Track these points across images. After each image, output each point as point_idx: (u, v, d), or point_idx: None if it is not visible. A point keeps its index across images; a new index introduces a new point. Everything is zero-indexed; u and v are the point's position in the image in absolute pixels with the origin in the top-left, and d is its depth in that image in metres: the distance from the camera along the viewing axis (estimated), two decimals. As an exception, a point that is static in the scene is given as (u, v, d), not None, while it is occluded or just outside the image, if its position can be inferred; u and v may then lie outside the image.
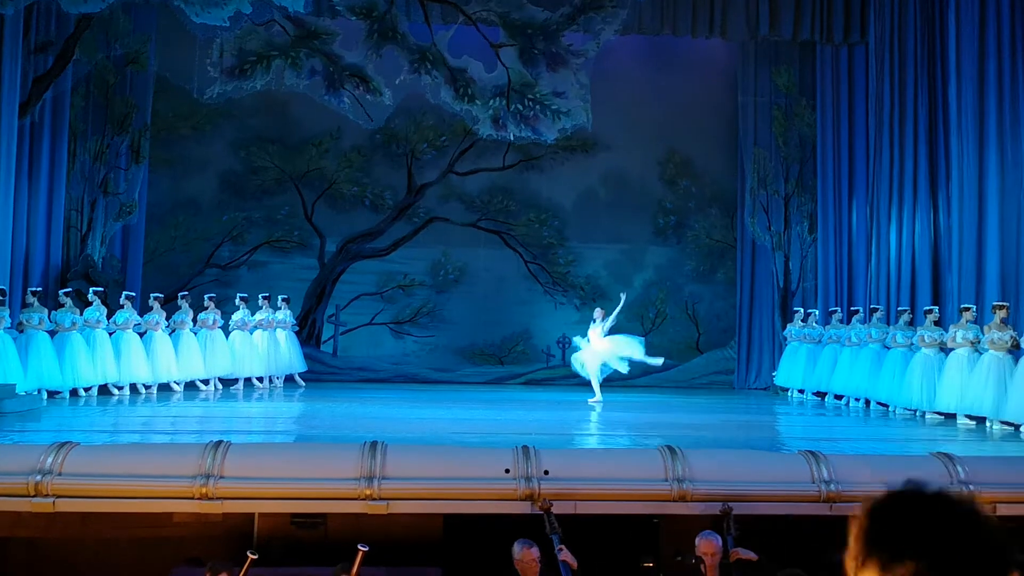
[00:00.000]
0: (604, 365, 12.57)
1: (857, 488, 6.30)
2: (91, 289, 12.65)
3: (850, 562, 1.45)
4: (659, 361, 12.86)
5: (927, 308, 11.86)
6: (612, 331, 12.53)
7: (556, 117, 15.37)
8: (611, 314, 12.38)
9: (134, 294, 13.45)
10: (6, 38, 12.66)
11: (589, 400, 12.44)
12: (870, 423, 11.11)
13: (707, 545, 5.59)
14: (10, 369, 10.73)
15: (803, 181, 16.17)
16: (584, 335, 12.69)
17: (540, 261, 16.75)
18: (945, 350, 11.04)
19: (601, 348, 12.48)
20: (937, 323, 11.45)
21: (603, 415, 11.29)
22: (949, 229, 13.12)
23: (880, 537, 1.42)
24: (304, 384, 14.52)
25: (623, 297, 12.69)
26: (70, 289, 12.54)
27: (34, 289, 12.08)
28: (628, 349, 12.55)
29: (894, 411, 11.56)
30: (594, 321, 12.61)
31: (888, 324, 12.69)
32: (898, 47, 13.97)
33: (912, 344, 11.64)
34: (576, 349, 12.84)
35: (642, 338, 12.77)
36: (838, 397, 12.97)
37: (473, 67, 15.29)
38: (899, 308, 12.69)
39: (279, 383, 14.33)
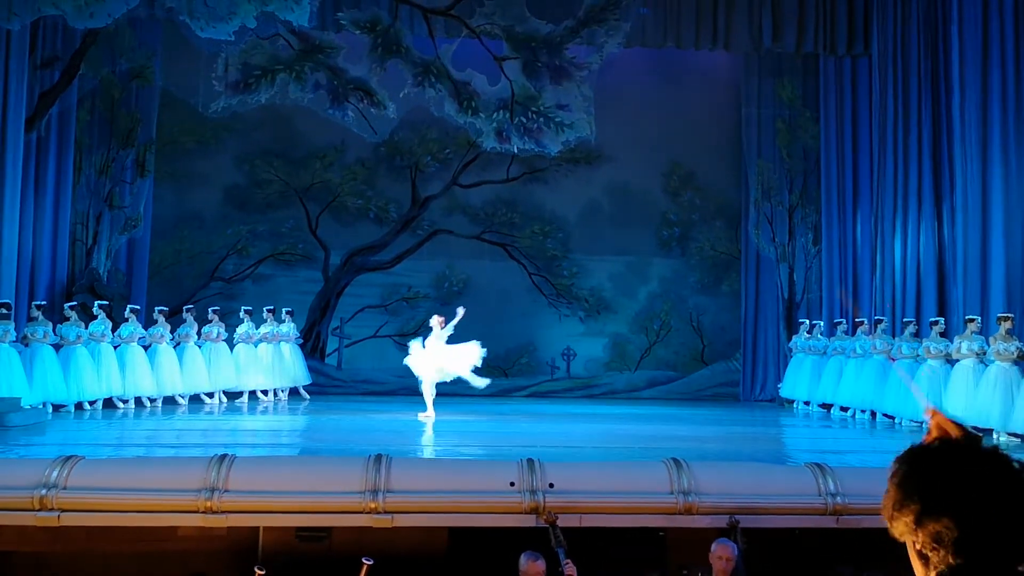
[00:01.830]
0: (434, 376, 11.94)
1: (863, 501, 6.27)
2: (96, 303, 12.68)
3: (886, 507, 1.46)
4: (483, 383, 12.16)
5: (933, 320, 11.83)
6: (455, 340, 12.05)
7: (560, 129, 15.40)
8: (450, 323, 11.92)
9: (139, 307, 13.47)
10: (12, 53, 12.75)
11: (420, 415, 11.74)
12: (876, 435, 11.07)
13: (723, 550, 5.57)
14: (15, 383, 10.75)
15: (807, 193, 16.16)
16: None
17: (544, 273, 16.75)
18: (951, 361, 11.01)
19: (435, 357, 11.83)
20: (943, 335, 11.42)
21: (608, 427, 11.24)
22: (953, 240, 13.09)
23: (919, 487, 1.42)
24: (308, 397, 14.51)
25: (460, 312, 12.10)
26: (75, 303, 12.57)
27: (39, 303, 12.10)
28: (458, 364, 11.95)
29: (900, 423, 11.51)
30: (430, 330, 12.06)
31: (893, 336, 12.66)
32: (901, 58, 13.99)
33: (918, 356, 11.61)
34: (406, 354, 12.11)
35: (484, 350, 12.12)
36: (844, 409, 12.92)
37: (477, 80, 15.34)
38: (904, 319, 12.66)
39: (284, 396, 14.33)
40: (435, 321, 12.04)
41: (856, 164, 15.51)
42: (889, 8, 14.23)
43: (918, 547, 1.40)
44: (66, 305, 12.53)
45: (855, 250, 15.54)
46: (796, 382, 14.22)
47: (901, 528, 1.42)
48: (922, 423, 11.09)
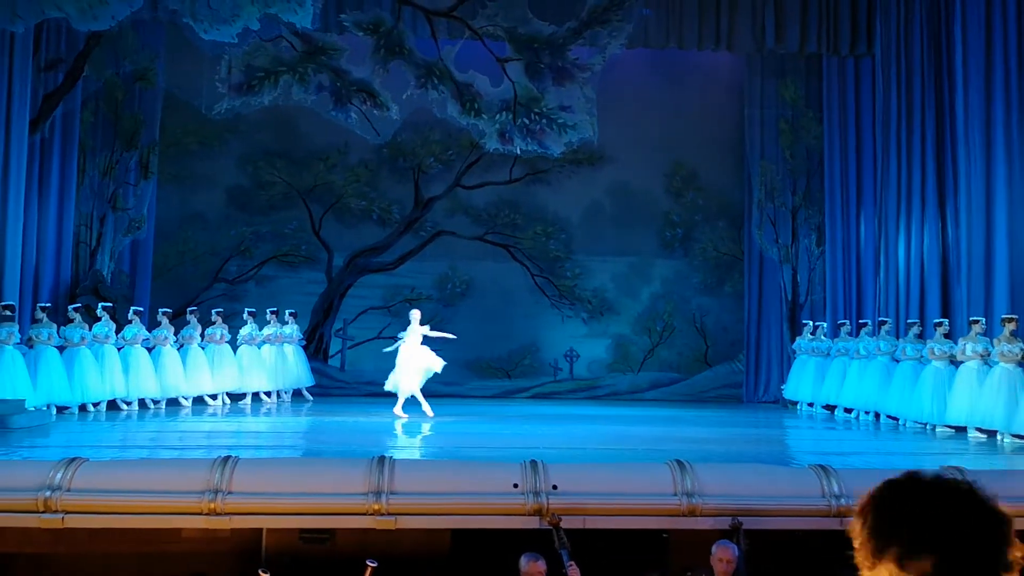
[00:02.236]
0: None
1: (867, 502, 6.26)
2: (100, 304, 12.69)
3: (863, 559, 1.44)
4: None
5: (937, 321, 11.81)
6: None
7: (562, 131, 15.40)
8: (432, 330, 11.89)
9: (142, 309, 13.49)
10: (16, 56, 12.77)
11: (402, 413, 11.61)
12: (880, 437, 11.05)
13: (723, 551, 5.57)
14: (19, 384, 10.77)
15: (810, 193, 16.14)
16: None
17: (547, 274, 16.75)
18: (955, 363, 10.99)
19: (415, 360, 11.72)
20: (947, 336, 11.40)
21: (611, 429, 11.23)
22: (957, 241, 13.07)
23: (892, 528, 1.41)
24: (312, 398, 14.52)
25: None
26: (79, 304, 12.59)
27: (43, 305, 12.13)
28: (429, 361, 11.82)
29: (904, 424, 11.50)
30: (409, 324, 11.92)
31: (897, 337, 12.65)
32: (904, 59, 13.97)
33: (922, 357, 11.60)
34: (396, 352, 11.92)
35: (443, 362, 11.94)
36: (848, 411, 12.90)
37: (479, 81, 15.34)
38: (908, 320, 12.64)
39: (287, 397, 14.34)
40: (415, 316, 12.03)
41: (860, 164, 15.50)
42: (892, 8, 14.22)
43: None
44: (70, 307, 12.55)
45: (859, 251, 15.52)
46: (800, 384, 14.20)
47: (884, 574, 1.42)
48: (925, 424, 11.08)
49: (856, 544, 1.46)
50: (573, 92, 15.26)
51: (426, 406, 11.78)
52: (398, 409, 11.74)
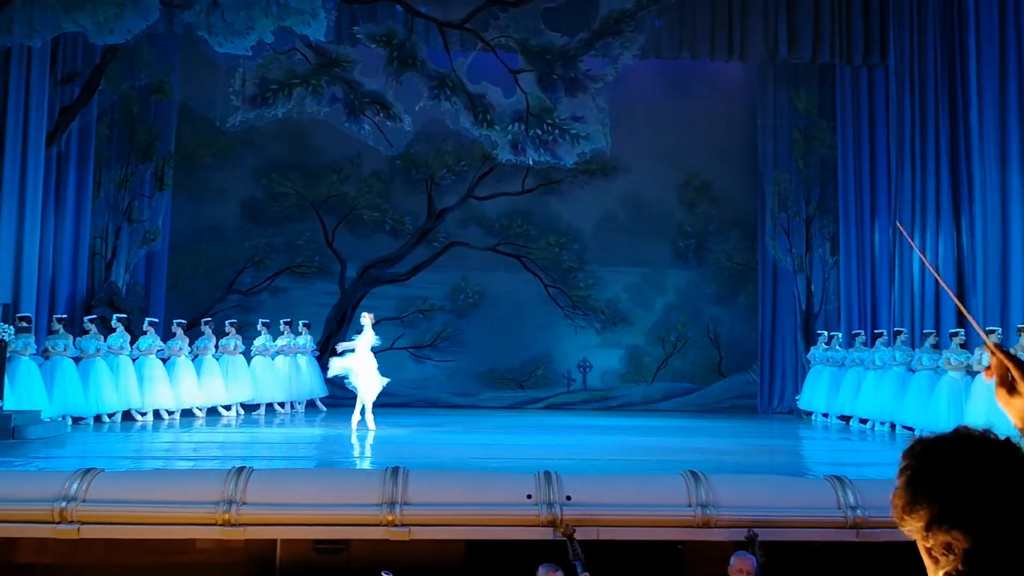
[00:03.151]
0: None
1: (884, 514, 6.21)
2: (115, 316, 12.76)
3: (896, 506, 1.37)
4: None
5: (953, 331, 11.73)
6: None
7: (575, 141, 15.41)
8: (372, 336, 11.55)
9: (157, 320, 13.55)
10: (34, 69, 12.90)
11: (358, 423, 11.40)
12: (896, 447, 10.96)
13: (742, 563, 5.53)
14: (35, 395, 10.83)
15: (824, 203, 16.09)
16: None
17: (560, 285, 16.74)
18: (971, 373, 10.91)
19: (369, 365, 11.39)
20: (963, 346, 11.33)
21: (625, 440, 11.20)
22: (973, 250, 13.00)
23: (930, 491, 1.33)
24: (325, 409, 14.53)
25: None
26: (94, 316, 12.66)
27: (59, 316, 12.20)
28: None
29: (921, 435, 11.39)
30: (362, 328, 11.62)
31: (912, 347, 12.57)
32: (918, 68, 13.93)
33: (938, 367, 11.52)
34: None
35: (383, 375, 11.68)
36: (863, 421, 12.81)
37: (492, 93, 15.39)
38: (924, 331, 12.56)
39: (300, 408, 14.36)
40: (367, 319, 11.71)
41: (874, 174, 15.44)
42: (906, 18, 14.18)
43: (928, 546, 1.35)
44: (86, 318, 12.63)
45: (873, 260, 15.45)
46: (814, 394, 14.12)
47: (910, 528, 1.35)
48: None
49: (894, 492, 1.38)
50: (585, 103, 15.28)
51: (370, 419, 11.48)
52: (360, 420, 11.40)
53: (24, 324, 11.24)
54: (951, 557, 1.31)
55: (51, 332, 11.88)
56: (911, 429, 11.68)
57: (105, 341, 12.25)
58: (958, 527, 1.30)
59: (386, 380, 11.73)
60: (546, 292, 16.70)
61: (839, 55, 14.79)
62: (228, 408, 13.45)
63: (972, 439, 1.36)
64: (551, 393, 16.42)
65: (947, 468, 1.33)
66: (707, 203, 16.82)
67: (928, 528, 1.32)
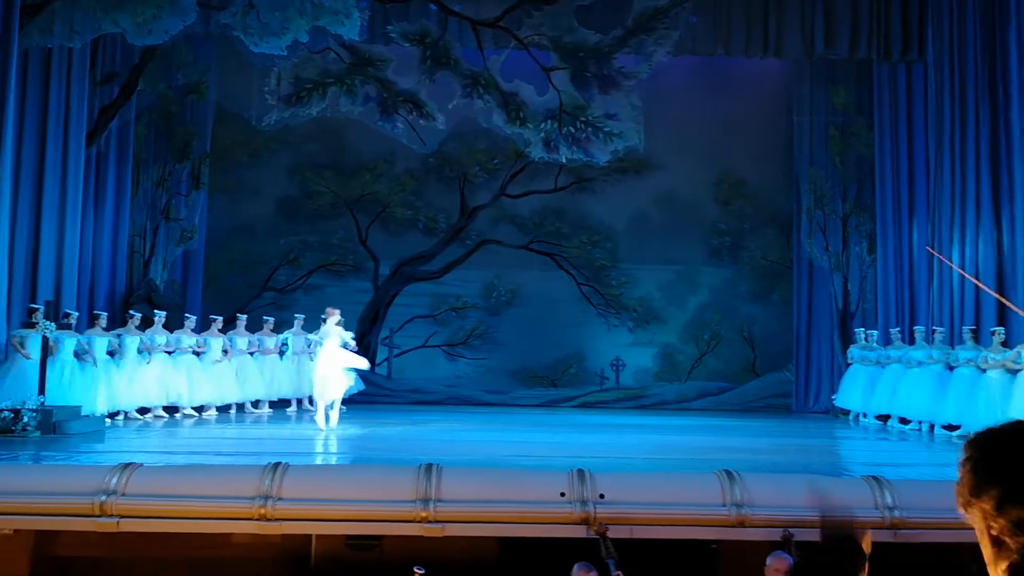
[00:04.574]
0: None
1: (922, 515, 6.14)
2: (155, 312, 12.93)
3: (960, 493, 1.43)
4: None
5: (993, 329, 11.54)
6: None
7: (608, 139, 15.37)
8: (345, 331, 11.20)
9: (195, 317, 13.72)
10: (74, 70, 13.12)
11: (323, 420, 11.03)
12: (935, 448, 10.82)
13: (778, 562, 5.48)
14: (75, 391, 11.01)
15: (861, 201, 15.90)
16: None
17: (592, 283, 16.70)
18: (1012, 371, 10.73)
19: (339, 361, 10.94)
20: (1004, 344, 11.14)
21: (658, 438, 11.15)
22: (1013, 247, 12.78)
23: (998, 472, 1.38)
24: (345, 408, 14.29)
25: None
26: (134, 313, 12.84)
27: (99, 312, 12.39)
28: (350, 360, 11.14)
29: (961, 434, 11.20)
30: (324, 322, 11.14)
31: (952, 345, 12.38)
32: (958, 64, 13.71)
33: (978, 366, 11.33)
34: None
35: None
36: (904, 421, 12.60)
37: (525, 90, 15.39)
38: (963, 329, 12.35)
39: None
40: (332, 316, 11.22)
41: (912, 171, 15.22)
42: (945, 12, 13.96)
43: (994, 533, 1.37)
44: (130, 312, 12.84)
45: (911, 258, 15.23)
46: (852, 393, 13.95)
47: (977, 514, 1.39)
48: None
49: (957, 482, 1.43)
50: (619, 100, 15.23)
51: (335, 416, 11.11)
52: (324, 417, 11.07)
53: (66, 320, 11.43)
54: (1021, 539, 1.35)
55: (91, 328, 12.06)
56: (955, 427, 11.45)
57: (145, 336, 12.40)
58: None
59: (351, 383, 11.34)
60: (579, 290, 16.67)
61: (877, 50, 14.59)
62: (256, 404, 13.52)
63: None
64: (584, 391, 16.39)
65: (1012, 451, 1.39)
66: (741, 200, 16.70)
67: (999, 507, 1.34)
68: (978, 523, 1.39)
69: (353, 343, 11.63)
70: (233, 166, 16.47)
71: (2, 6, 11.54)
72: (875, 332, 14.35)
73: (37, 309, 10.90)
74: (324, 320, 11.53)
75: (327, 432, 10.91)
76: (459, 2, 14.94)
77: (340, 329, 11.28)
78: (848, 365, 14.43)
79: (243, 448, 9.90)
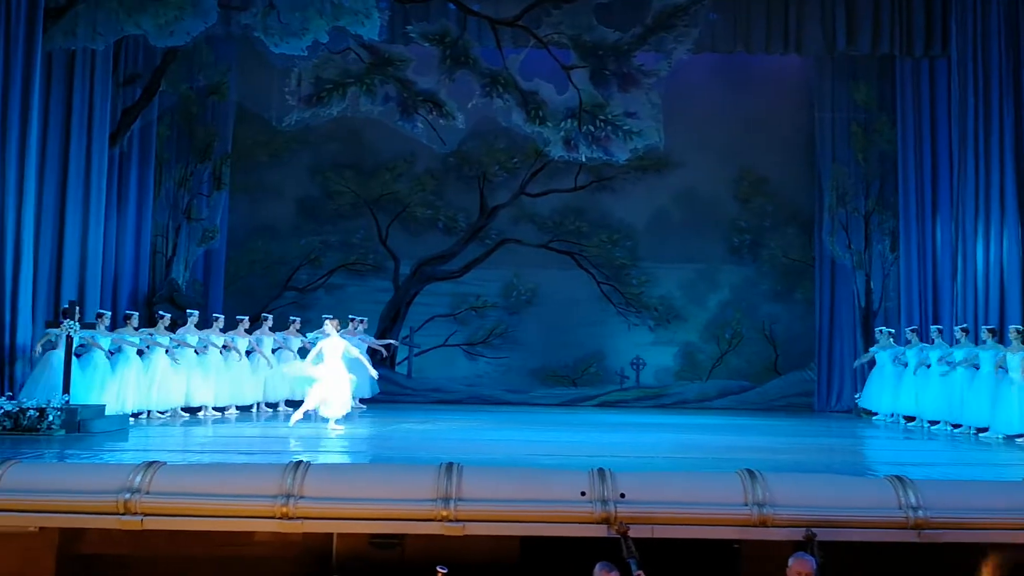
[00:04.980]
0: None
1: (946, 515, 6.08)
2: (188, 312, 13.01)
3: None
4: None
5: (1016, 328, 11.37)
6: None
7: (628, 137, 15.34)
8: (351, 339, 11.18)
9: (220, 316, 13.79)
10: (97, 72, 13.25)
11: (296, 419, 11.04)
12: (960, 447, 10.70)
13: (801, 564, 5.44)
14: (100, 389, 11.12)
15: (884, 198, 15.76)
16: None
17: (613, 282, 16.67)
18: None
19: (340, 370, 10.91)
20: (1025, 343, 11.00)
21: (679, 437, 11.11)
22: (1039, 245, 12.64)
23: None
24: (364, 407, 14.30)
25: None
26: (160, 313, 12.94)
27: (127, 312, 12.50)
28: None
29: (995, 436, 11.02)
30: (326, 334, 11.11)
31: (976, 344, 12.24)
32: (981, 59, 13.56)
33: (1001, 366, 11.20)
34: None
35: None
36: (932, 423, 12.43)
37: (544, 89, 15.40)
38: (988, 327, 12.21)
39: (356, 403, 14.43)
40: (332, 326, 11.25)
41: (935, 168, 15.06)
42: (968, 6, 13.80)
43: None
44: (157, 311, 12.95)
45: (935, 256, 15.08)
46: (876, 392, 13.81)
47: None
48: (1018, 436, 10.64)
49: None
50: (639, 98, 15.20)
51: (298, 415, 11.08)
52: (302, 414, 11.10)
53: (99, 320, 11.53)
54: None
55: (117, 328, 12.15)
56: (983, 429, 11.31)
57: (170, 335, 12.47)
58: None
59: (347, 399, 11.25)
60: (599, 289, 16.65)
61: (899, 46, 14.45)
62: (274, 406, 13.55)
63: None
64: (604, 390, 16.37)
65: None
66: (762, 198, 16.61)
67: None
68: None
69: (356, 351, 11.61)
70: (254, 166, 16.58)
71: (26, 10, 11.68)
72: (900, 331, 14.16)
73: (69, 309, 10.91)
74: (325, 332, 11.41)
75: (346, 431, 10.96)
76: (478, 1, 14.96)
77: (339, 338, 11.16)
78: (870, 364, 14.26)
79: (264, 446, 9.95)
